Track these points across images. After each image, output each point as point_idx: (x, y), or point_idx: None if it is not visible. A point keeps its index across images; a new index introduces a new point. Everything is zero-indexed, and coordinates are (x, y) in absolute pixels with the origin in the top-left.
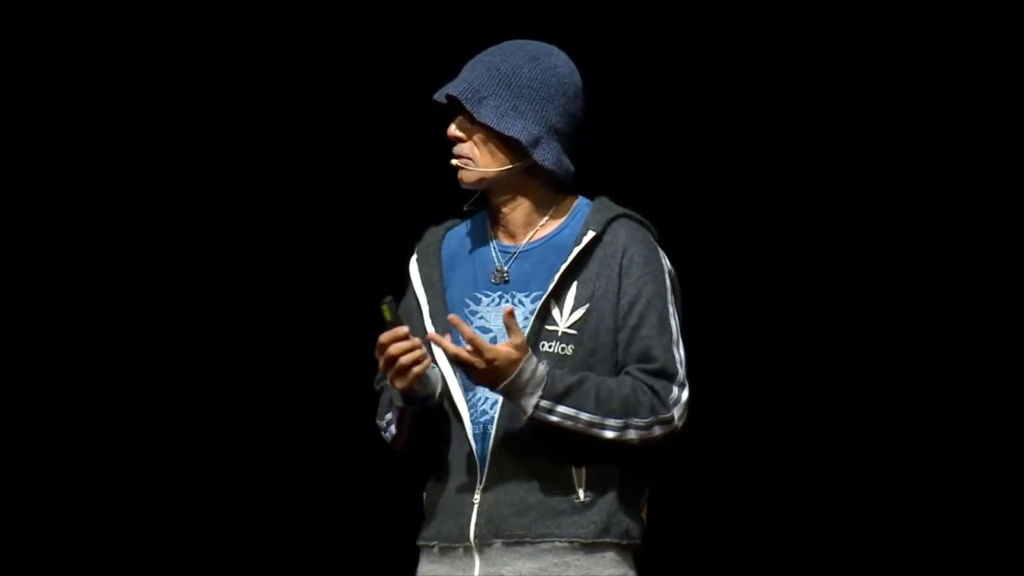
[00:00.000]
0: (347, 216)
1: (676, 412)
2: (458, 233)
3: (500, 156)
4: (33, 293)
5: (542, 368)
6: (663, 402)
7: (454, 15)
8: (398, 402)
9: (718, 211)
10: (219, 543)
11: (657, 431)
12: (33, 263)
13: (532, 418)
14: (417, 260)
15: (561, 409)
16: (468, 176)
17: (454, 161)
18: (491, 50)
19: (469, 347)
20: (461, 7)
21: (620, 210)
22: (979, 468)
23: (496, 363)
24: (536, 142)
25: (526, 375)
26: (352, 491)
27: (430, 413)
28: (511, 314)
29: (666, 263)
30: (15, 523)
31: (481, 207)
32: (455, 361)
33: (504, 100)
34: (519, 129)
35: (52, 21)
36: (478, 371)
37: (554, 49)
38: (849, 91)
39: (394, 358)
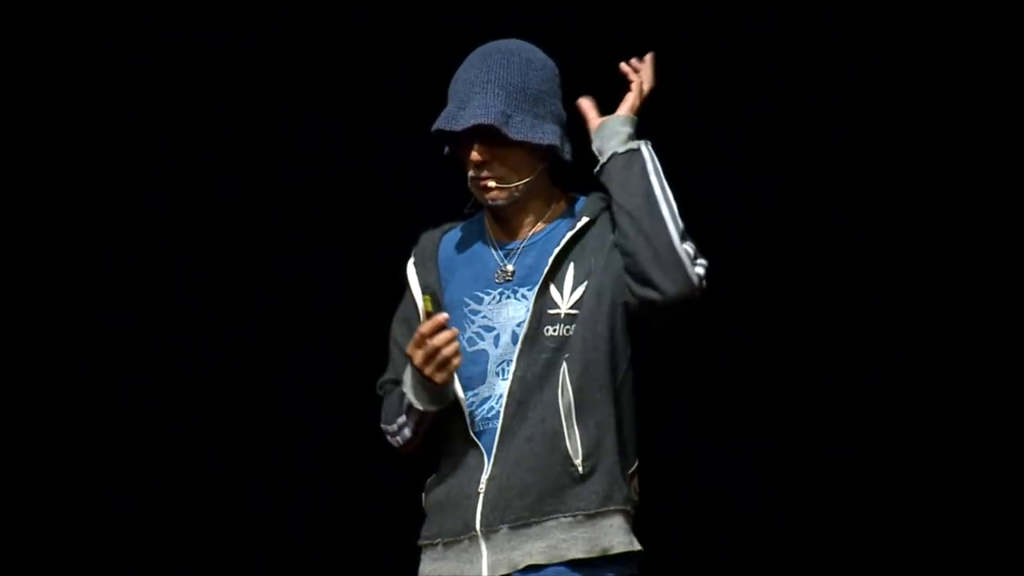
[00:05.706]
0: (346, 218)
1: (701, 271)
2: (455, 236)
3: (525, 167)
4: (26, 292)
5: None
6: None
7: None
8: (424, 406)
9: (719, 212)
10: (219, 543)
11: (700, 269)
12: (25, 262)
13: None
14: (414, 264)
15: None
16: (502, 195)
17: (491, 183)
18: (481, 64)
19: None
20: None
21: None
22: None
23: None
24: (561, 141)
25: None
26: (352, 491)
27: (442, 414)
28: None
29: None
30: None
31: (480, 208)
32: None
33: (527, 113)
34: (550, 136)
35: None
36: None
37: (525, 43)
38: (851, 89)
39: (437, 349)
